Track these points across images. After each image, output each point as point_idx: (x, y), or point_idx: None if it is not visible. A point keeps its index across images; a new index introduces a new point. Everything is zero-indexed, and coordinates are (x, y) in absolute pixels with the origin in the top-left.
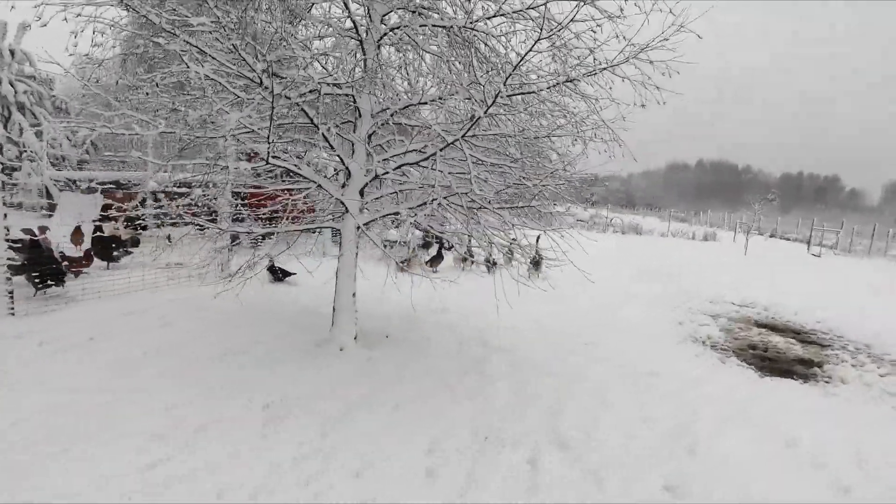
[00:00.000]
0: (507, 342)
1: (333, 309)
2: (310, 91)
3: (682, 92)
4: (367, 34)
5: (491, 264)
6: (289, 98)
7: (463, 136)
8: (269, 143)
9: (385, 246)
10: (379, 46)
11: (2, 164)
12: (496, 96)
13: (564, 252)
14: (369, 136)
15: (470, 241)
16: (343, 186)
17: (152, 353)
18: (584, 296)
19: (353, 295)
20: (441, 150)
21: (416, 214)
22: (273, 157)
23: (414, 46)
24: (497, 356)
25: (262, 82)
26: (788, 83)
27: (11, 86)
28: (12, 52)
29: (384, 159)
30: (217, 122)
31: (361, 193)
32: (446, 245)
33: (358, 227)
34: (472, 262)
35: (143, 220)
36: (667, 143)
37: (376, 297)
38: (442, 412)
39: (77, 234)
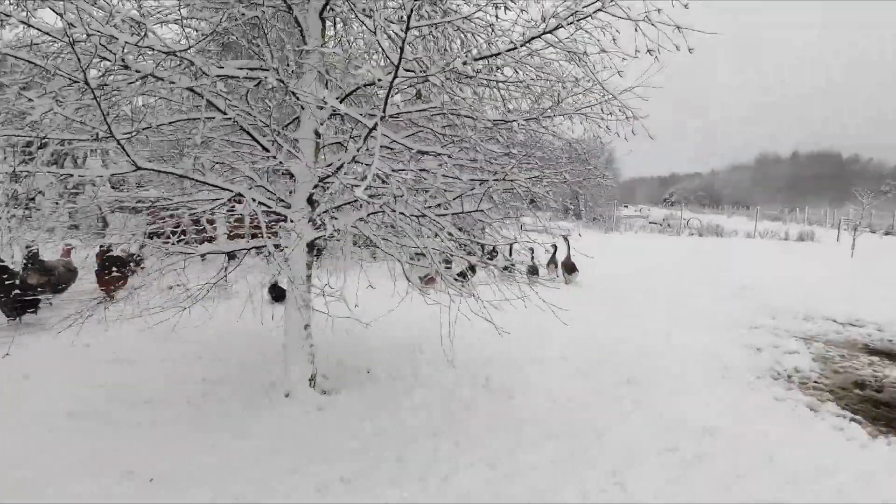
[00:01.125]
0: (517, 381)
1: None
2: (219, 77)
3: (718, 32)
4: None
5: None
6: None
7: (384, 117)
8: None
9: (409, 260)
10: (323, 20)
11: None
12: (448, 66)
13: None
14: (316, 133)
15: (511, 250)
16: (290, 194)
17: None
18: (631, 315)
19: (306, 328)
20: (365, 137)
21: (356, 226)
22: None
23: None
24: (491, 405)
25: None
26: None
27: None
28: None
29: (343, 161)
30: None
31: (311, 203)
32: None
33: (313, 245)
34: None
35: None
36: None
37: (387, 321)
38: None
39: (66, 257)
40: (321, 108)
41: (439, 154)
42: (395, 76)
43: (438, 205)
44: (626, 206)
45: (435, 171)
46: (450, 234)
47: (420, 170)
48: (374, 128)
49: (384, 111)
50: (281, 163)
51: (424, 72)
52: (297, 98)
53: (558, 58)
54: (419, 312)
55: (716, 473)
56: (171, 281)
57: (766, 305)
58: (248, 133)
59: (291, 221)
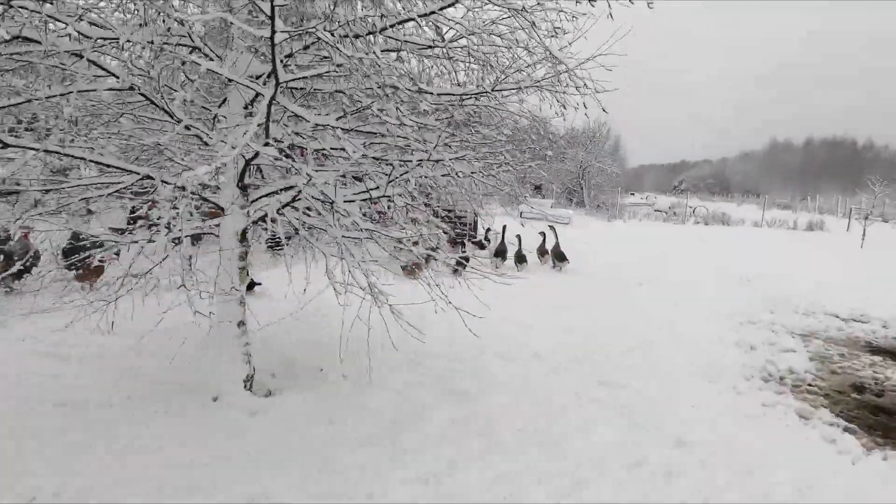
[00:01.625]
0: (483, 381)
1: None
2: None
3: None
4: None
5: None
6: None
7: (280, 84)
8: None
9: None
10: None
11: None
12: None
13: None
14: (249, 105)
15: (504, 233)
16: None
17: None
18: (624, 307)
19: (241, 325)
20: (268, 110)
21: (284, 213)
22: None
23: None
24: (447, 410)
25: None
26: None
27: None
28: None
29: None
30: None
31: (243, 187)
32: (476, 240)
33: (243, 232)
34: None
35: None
36: (769, 117)
37: (350, 314)
38: None
39: (24, 239)
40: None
41: (334, 127)
42: (273, 31)
43: (369, 191)
44: (632, 194)
45: (338, 150)
46: (356, 222)
47: (331, 148)
48: (274, 98)
49: (274, 75)
50: (201, 138)
51: (315, 28)
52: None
53: (502, 17)
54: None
55: (683, 492)
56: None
57: (766, 298)
58: (152, 101)
59: (221, 208)
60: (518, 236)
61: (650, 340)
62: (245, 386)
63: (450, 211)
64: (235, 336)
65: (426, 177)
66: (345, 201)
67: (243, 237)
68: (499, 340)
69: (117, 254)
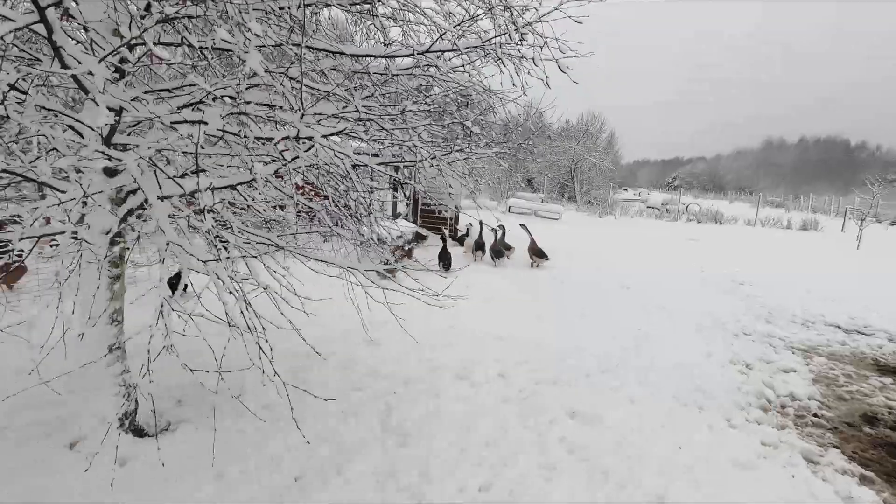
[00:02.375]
0: (427, 413)
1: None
2: None
3: None
4: None
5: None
6: None
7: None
8: None
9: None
10: None
11: None
12: None
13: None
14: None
15: (481, 226)
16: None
17: None
18: (603, 315)
19: (114, 349)
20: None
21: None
22: None
23: None
24: (371, 456)
25: None
26: None
27: None
28: None
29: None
30: None
31: (110, 173)
32: (453, 234)
33: (119, 233)
34: (483, 254)
35: None
36: (763, 115)
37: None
38: None
39: None
40: None
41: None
42: None
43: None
44: (626, 189)
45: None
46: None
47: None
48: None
49: None
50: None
51: None
52: None
53: None
54: (347, 312)
55: None
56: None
57: (761, 305)
58: None
59: (63, 193)
60: (495, 229)
61: (633, 356)
62: (122, 425)
63: (429, 205)
64: (107, 364)
65: (318, 166)
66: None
67: (117, 237)
68: (461, 354)
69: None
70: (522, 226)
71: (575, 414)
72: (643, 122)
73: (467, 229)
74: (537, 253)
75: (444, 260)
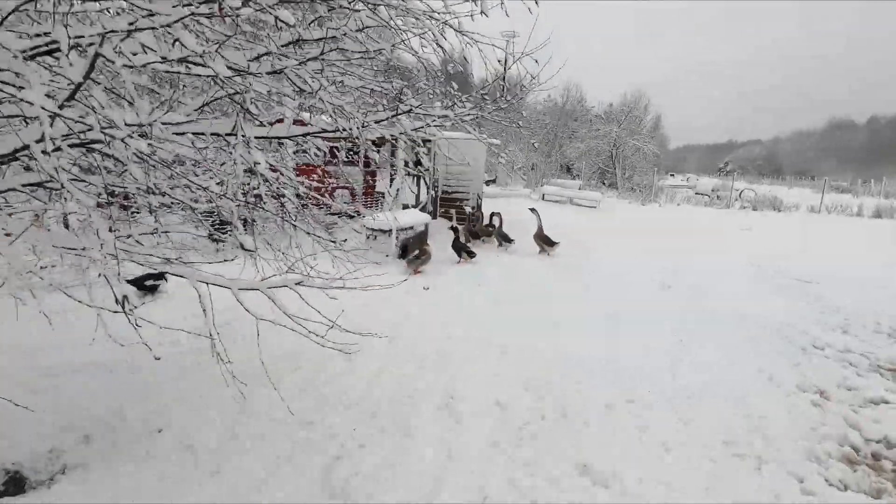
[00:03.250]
0: (390, 461)
1: None
2: None
3: None
4: None
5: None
6: None
7: None
8: None
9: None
10: None
11: None
12: None
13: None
14: None
15: (479, 211)
16: None
17: None
18: (630, 320)
19: None
20: None
21: None
22: None
23: None
24: None
25: None
26: None
27: None
28: None
29: None
30: None
31: None
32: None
33: None
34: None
35: None
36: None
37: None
38: None
39: None
40: None
41: None
42: None
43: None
44: (672, 175)
45: None
46: None
47: None
48: None
49: None
50: None
51: None
52: None
53: None
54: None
55: None
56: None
57: (833, 310)
58: None
59: None
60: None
61: (668, 377)
62: None
63: (450, 193)
64: None
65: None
66: None
67: None
68: (453, 371)
69: None
70: (532, 210)
71: (586, 468)
72: (693, 105)
73: (490, 218)
74: (544, 240)
75: (461, 250)
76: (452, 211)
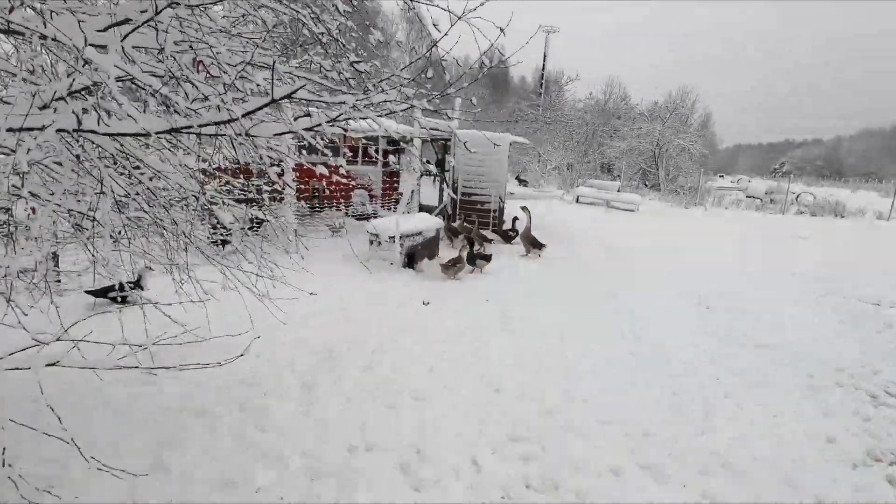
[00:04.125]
0: None
1: None
2: None
3: None
4: None
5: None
6: None
7: None
8: None
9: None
10: None
11: None
12: None
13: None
14: None
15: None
16: None
17: None
18: (665, 349)
19: None
20: None
21: None
22: None
23: None
24: None
25: None
26: None
27: None
28: None
29: None
30: None
31: None
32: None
33: None
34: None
35: None
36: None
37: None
38: None
39: None
40: None
41: None
42: None
43: None
44: (721, 176)
45: None
46: None
47: None
48: None
49: None
50: None
51: None
52: None
53: None
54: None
55: None
56: None
57: None
58: None
59: None
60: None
61: (693, 432)
62: None
63: (470, 195)
64: None
65: None
66: None
67: None
68: (430, 416)
69: None
70: (524, 208)
71: None
72: (747, 102)
73: (513, 223)
74: (531, 241)
75: (475, 258)
76: (460, 238)
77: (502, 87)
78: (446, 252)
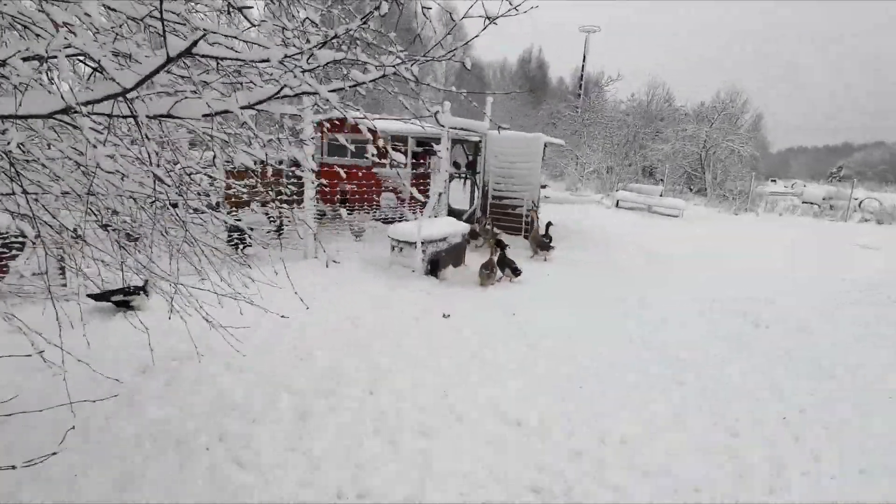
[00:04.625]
0: None
1: None
2: None
3: None
4: None
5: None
6: None
7: None
8: None
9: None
10: None
11: None
12: None
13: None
14: None
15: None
16: None
17: None
18: (711, 379)
19: None
20: None
21: None
22: None
23: None
24: None
25: None
26: None
27: None
28: None
29: None
30: None
31: None
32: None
33: None
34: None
35: None
36: None
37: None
38: None
39: None
40: None
41: None
42: None
43: None
44: (774, 181)
45: None
46: None
47: None
48: None
49: None
50: None
51: None
52: None
53: None
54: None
55: None
56: None
57: None
58: None
59: None
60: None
61: (749, 497)
62: None
63: (501, 198)
64: None
65: None
66: None
67: None
68: (435, 453)
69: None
70: (533, 209)
71: None
72: (804, 104)
73: (547, 228)
74: (539, 243)
75: (505, 266)
76: (480, 238)
77: (540, 90)
78: (472, 259)
